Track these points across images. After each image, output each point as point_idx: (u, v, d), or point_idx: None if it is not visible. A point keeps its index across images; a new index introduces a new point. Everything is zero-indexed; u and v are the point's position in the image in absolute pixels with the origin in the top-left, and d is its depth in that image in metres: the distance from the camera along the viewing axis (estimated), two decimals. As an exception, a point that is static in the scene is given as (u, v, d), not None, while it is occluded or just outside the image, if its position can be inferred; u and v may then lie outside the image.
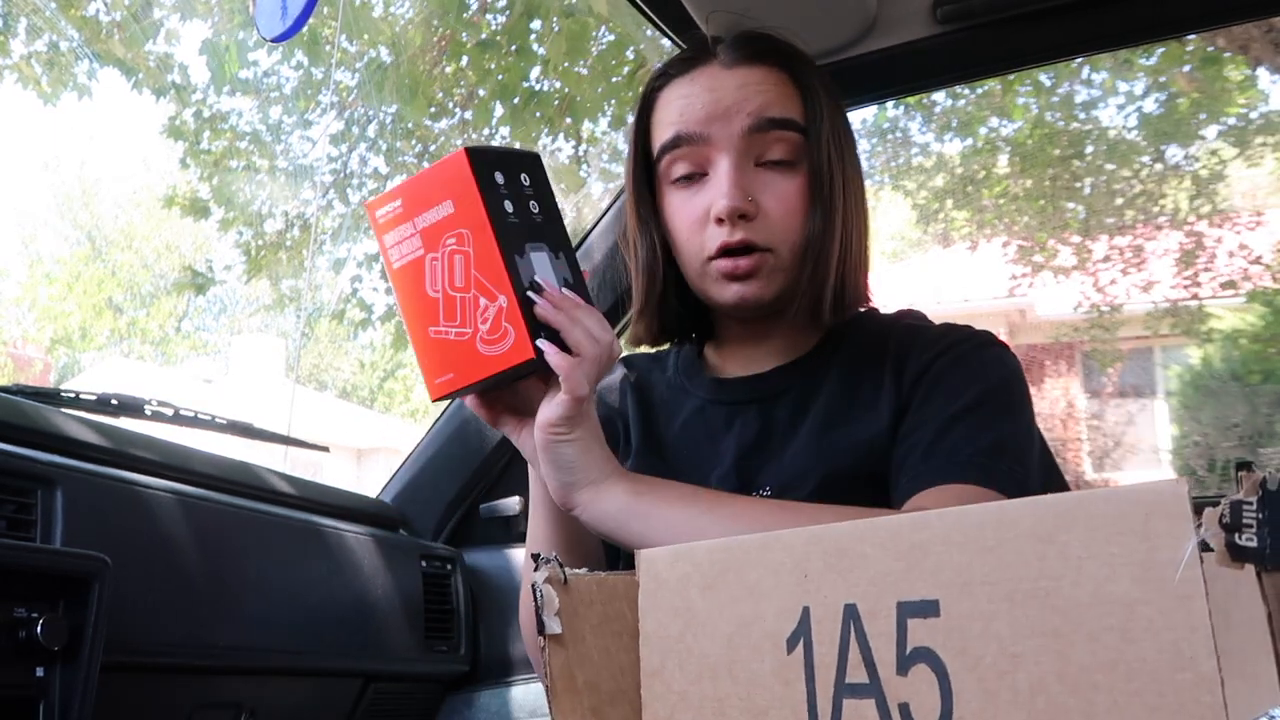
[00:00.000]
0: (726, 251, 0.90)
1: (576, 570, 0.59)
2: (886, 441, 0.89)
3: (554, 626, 0.57)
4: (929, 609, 0.46)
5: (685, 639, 0.56)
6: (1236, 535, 0.38)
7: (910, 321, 0.98)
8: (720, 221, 0.90)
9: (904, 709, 0.46)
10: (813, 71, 0.95)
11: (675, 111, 0.93)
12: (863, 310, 1.00)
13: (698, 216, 0.92)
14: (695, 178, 0.93)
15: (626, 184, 1.00)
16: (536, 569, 0.58)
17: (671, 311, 0.99)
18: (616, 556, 0.95)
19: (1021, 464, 0.85)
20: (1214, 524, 0.38)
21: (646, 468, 0.98)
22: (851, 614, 0.49)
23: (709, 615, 0.55)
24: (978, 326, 0.97)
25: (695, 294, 0.98)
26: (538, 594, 0.58)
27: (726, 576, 0.55)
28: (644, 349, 1.10)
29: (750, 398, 0.98)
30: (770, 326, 0.98)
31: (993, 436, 0.85)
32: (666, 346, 1.08)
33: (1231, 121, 7.61)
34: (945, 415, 0.86)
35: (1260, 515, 0.38)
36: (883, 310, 1.02)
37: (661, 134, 0.94)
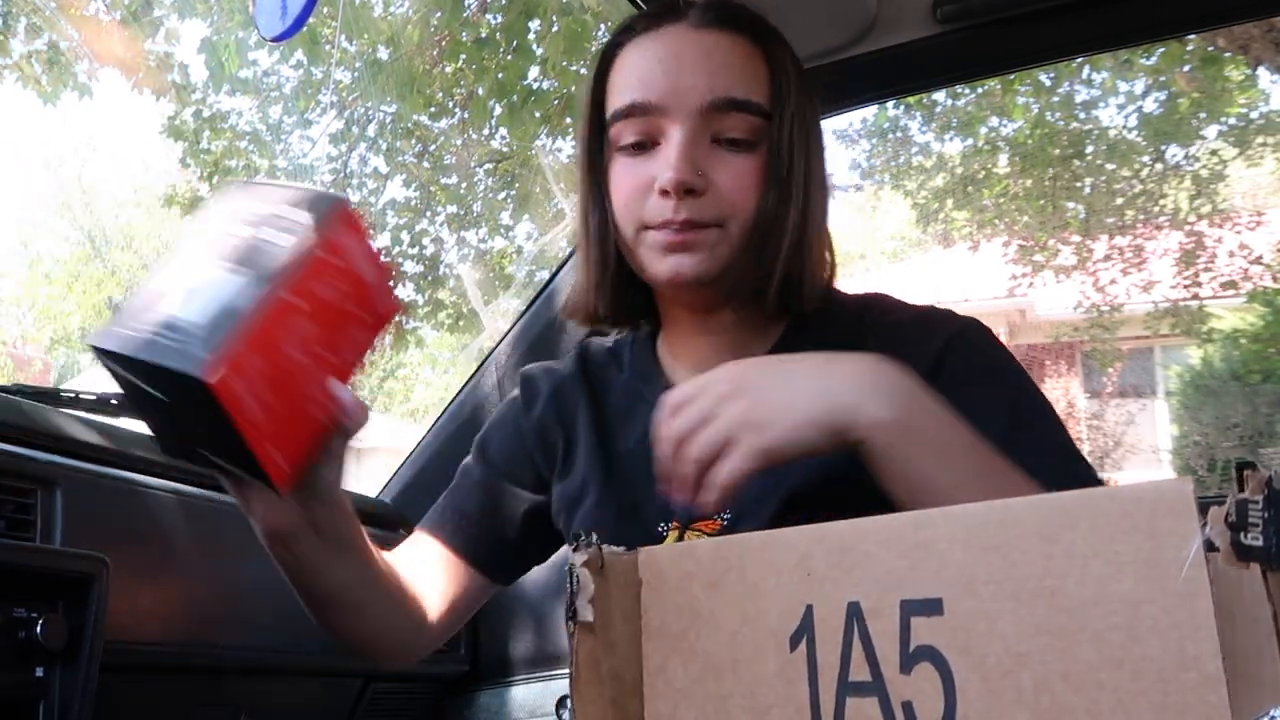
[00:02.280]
0: (667, 227, 0.83)
1: (615, 549, 0.58)
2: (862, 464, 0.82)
3: (586, 614, 0.56)
4: (933, 607, 0.46)
5: (688, 636, 0.56)
6: (1242, 534, 0.38)
7: (884, 317, 0.90)
8: (665, 194, 0.82)
9: (907, 707, 0.46)
10: (784, 48, 0.89)
11: (634, 75, 0.86)
12: (823, 298, 0.92)
13: (640, 184, 0.84)
14: (644, 146, 0.86)
15: (578, 147, 0.92)
16: (576, 549, 0.56)
17: (621, 290, 0.90)
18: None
19: (1084, 460, 0.81)
20: (1220, 523, 0.38)
21: (599, 485, 0.92)
22: (855, 612, 0.49)
23: (712, 613, 0.55)
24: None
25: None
26: (574, 579, 0.56)
27: (729, 574, 0.55)
28: (600, 340, 1.03)
29: None
30: (718, 314, 0.90)
31: (1060, 437, 0.80)
32: (619, 337, 1.01)
33: (1231, 121, 7.62)
34: (1003, 422, 0.76)
35: (1266, 514, 0.38)
36: (844, 294, 0.94)
37: (617, 98, 0.87)
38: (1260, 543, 0.38)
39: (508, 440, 1.01)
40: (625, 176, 0.87)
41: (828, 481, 0.82)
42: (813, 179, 0.87)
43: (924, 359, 0.83)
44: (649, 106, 0.84)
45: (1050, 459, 0.77)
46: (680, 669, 0.56)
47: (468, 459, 1.04)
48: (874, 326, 0.88)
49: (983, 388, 0.81)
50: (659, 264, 0.85)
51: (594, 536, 0.57)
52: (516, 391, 1.03)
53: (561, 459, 0.97)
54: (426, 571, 0.97)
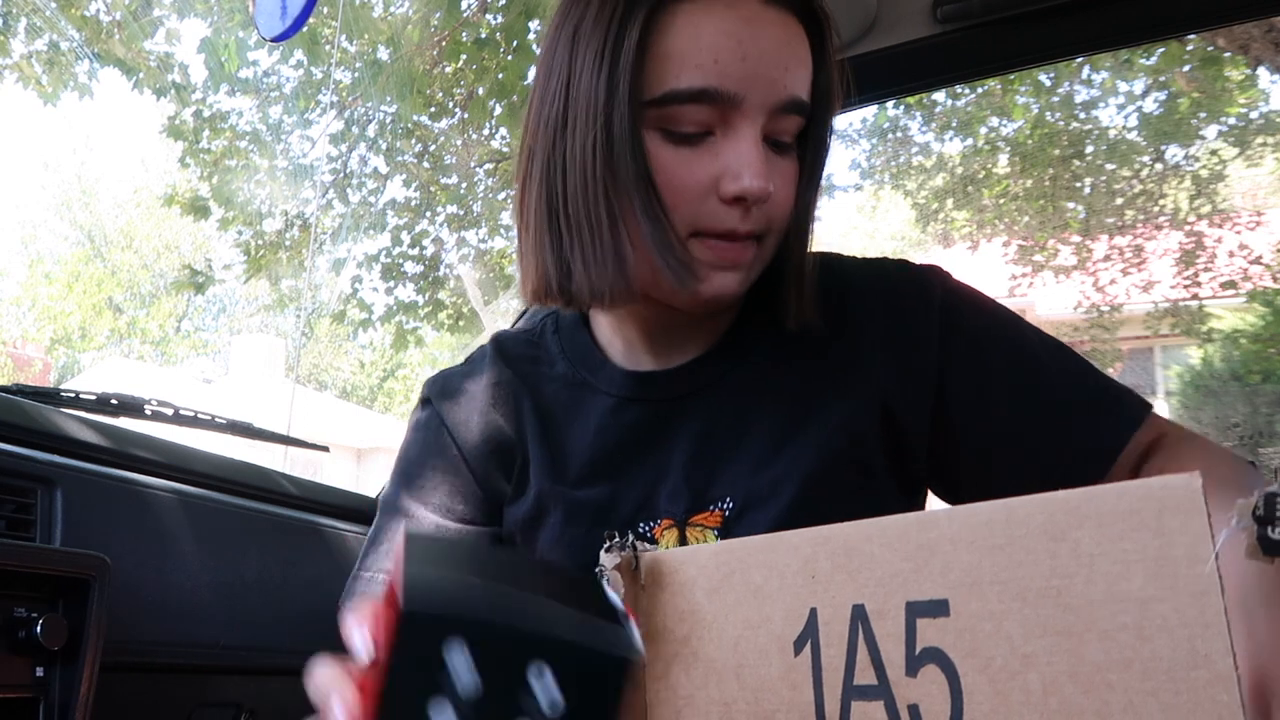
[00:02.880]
0: (727, 237, 0.74)
1: (647, 545, 0.55)
2: (873, 423, 0.78)
3: None
4: (938, 609, 0.45)
5: (691, 642, 0.55)
6: (1270, 528, 0.37)
7: (860, 280, 0.84)
8: (736, 202, 0.72)
9: (914, 710, 0.46)
10: (831, 33, 0.78)
11: (708, 54, 0.71)
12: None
13: (703, 183, 0.73)
14: (698, 138, 0.73)
15: (594, 110, 0.72)
16: (608, 550, 0.54)
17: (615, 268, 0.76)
18: None
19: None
20: (1246, 516, 0.38)
21: (560, 496, 0.81)
22: (859, 615, 0.48)
23: (715, 618, 0.54)
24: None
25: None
26: (604, 581, 0.53)
27: (732, 579, 0.54)
28: (509, 333, 0.92)
29: (682, 392, 0.82)
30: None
31: (1052, 340, 0.84)
32: (529, 326, 0.92)
33: (1231, 121, 7.62)
34: (1028, 354, 0.81)
35: (1293, 509, 0.37)
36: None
37: (682, 75, 0.71)
38: (1284, 538, 0.37)
39: (441, 472, 0.85)
40: (681, 171, 0.73)
41: (847, 449, 0.78)
42: None
43: (929, 315, 0.81)
44: (724, 96, 0.71)
45: (1070, 363, 0.81)
46: (683, 675, 0.55)
47: (387, 512, 0.86)
48: (852, 288, 0.83)
49: (991, 331, 0.83)
50: (703, 284, 0.75)
51: (629, 537, 0.55)
52: (431, 412, 0.88)
53: (516, 478, 0.84)
54: None
